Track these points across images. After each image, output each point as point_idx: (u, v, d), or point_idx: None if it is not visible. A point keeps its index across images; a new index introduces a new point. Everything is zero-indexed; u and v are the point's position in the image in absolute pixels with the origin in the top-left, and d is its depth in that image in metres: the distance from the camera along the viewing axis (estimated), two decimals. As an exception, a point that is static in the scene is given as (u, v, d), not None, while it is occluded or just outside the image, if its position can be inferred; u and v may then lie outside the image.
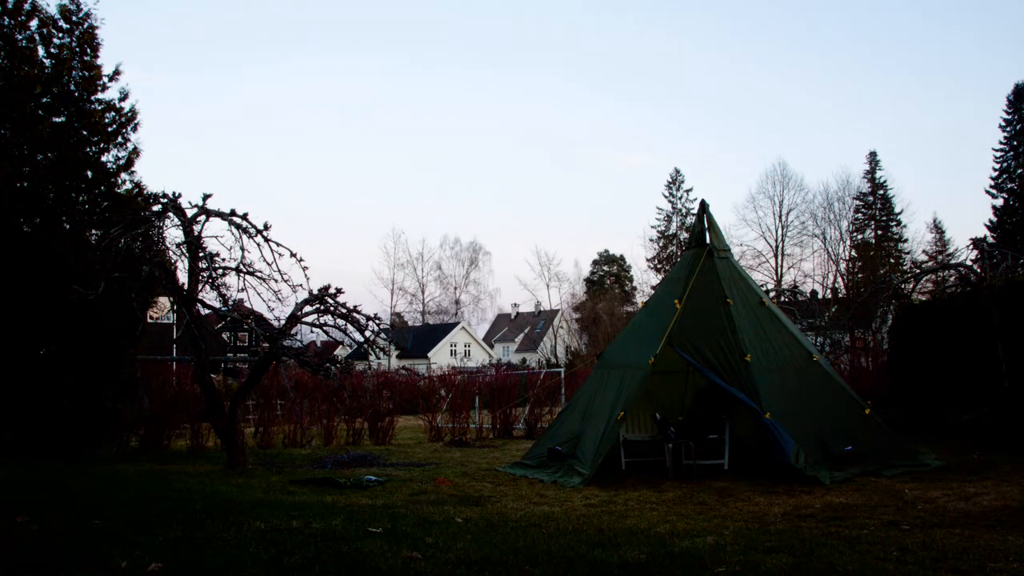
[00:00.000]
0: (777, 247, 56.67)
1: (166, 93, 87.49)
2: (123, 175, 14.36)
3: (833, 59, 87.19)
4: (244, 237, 11.85)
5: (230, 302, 12.09)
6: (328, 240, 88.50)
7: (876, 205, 57.29)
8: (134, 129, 14.52)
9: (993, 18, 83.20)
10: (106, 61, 15.54)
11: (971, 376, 11.83)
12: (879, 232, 57.08)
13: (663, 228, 64.48)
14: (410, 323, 67.63)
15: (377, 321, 12.34)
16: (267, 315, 12.38)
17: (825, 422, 9.31)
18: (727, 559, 5.18)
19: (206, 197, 11.89)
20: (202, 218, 11.83)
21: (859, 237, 57.16)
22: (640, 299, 63.90)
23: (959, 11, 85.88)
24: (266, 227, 11.91)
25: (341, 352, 35.29)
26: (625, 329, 13.78)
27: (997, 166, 47.41)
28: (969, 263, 16.02)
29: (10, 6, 13.25)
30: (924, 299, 16.89)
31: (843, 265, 56.46)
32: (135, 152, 14.52)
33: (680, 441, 9.56)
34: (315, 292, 11.80)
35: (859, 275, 53.94)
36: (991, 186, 47.34)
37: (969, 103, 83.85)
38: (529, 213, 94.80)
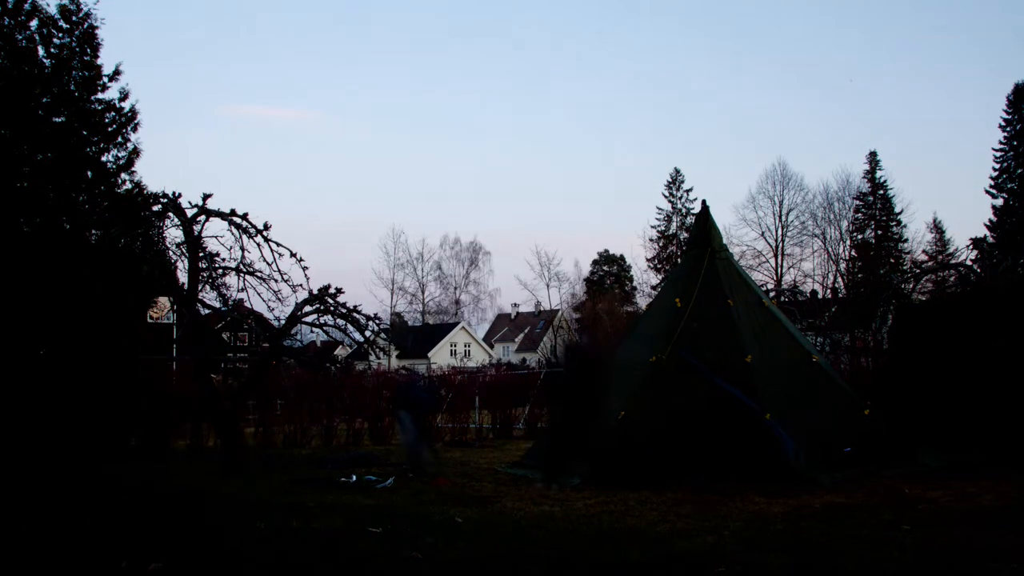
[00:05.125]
0: (777, 247, 56.61)
1: (166, 92, 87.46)
2: (123, 175, 14.36)
3: (833, 59, 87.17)
4: (244, 237, 11.86)
5: (230, 302, 12.09)
6: (328, 240, 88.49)
7: (876, 205, 57.21)
8: (134, 129, 14.51)
9: (993, 18, 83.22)
10: (106, 61, 15.52)
11: (971, 376, 11.81)
12: (879, 232, 56.99)
13: (663, 228, 64.33)
14: (410, 323, 67.56)
15: (377, 321, 12.35)
16: (267, 315, 12.39)
17: (825, 422, 9.30)
18: (727, 559, 5.18)
19: (206, 197, 11.89)
20: (202, 218, 11.83)
21: (859, 237, 57.07)
22: (640, 299, 63.80)
23: (959, 11, 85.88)
24: (266, 227, 11.92)
25: (341, 352, 35.27)
26: (629, 330, 13.78)
27: (997, 166, 47.35)
28: (969, 263, 16.02)
29: (10, 6, 13.24)
30: (924, 299, 16.87)
31: (843, 265, 56.45)
32: (135, 152, 14.51)
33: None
34: (315, 292, 11.80)
35: (859, 275, 53.89)
36: (991, 186, 47.29)
37: (969, 103, 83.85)
38: (529, 213, 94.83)
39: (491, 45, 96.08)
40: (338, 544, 5.69)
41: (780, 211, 56.84)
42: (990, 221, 46.23)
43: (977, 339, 11.75)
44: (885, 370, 14.36)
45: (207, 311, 12.34)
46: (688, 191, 63.92)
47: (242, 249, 11.88)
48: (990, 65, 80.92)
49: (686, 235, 56.00)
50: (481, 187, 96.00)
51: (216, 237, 12.00)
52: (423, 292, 69.75)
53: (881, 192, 57.19)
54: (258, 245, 11.89)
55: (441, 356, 58.97)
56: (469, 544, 5.69)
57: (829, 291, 52.19)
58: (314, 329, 12.53)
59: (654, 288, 57.06)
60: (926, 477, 8.71)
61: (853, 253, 56.60)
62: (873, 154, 57.77)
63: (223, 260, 11.89)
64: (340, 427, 16.04)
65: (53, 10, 13.72)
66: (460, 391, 17.78)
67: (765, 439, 8.87)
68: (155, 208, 11.99)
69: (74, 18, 13.91)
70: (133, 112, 14.48)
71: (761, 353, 9.45)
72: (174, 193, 11.79)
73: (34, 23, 13.57)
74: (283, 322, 11.91)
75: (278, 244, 11.96)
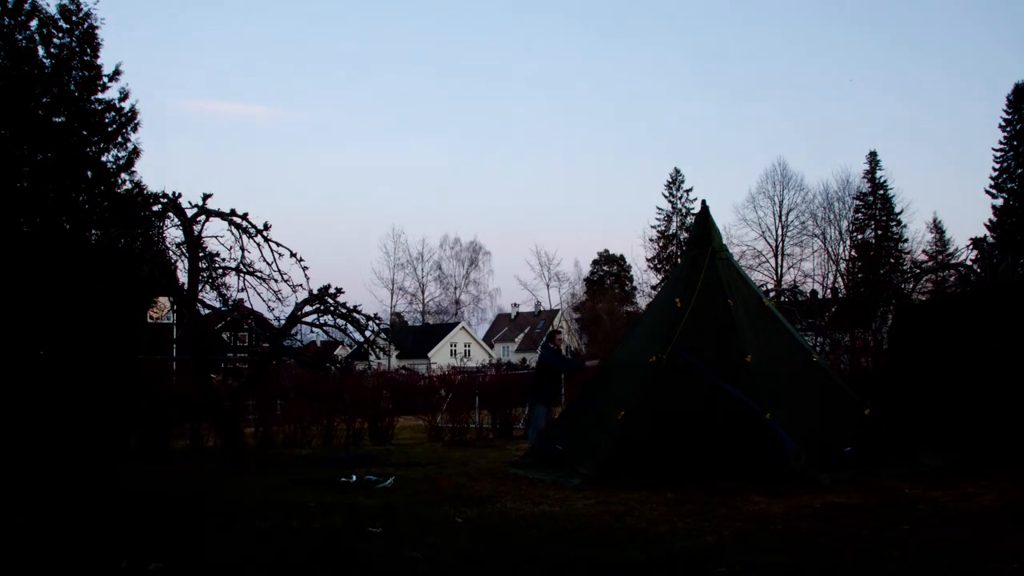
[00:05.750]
0: (777, 247, 56.67)
1: (167, 92, 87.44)
2: (123, 175, 14.36)
3: (833, 58, 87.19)
4: (244, 237, 11.89)
5: (230, 302, 12.11)
6: (328, 240, 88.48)
7: (876, 205, 57.22)
8: (134, 129, 14.52)
9: (993, 18, 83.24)
10: (106, 61, 15.52)
11: (971, 376, 11.81)
12: (879, 232, 57.00)
13: (663, 228, 64.34)
14: (410, 323, 67.58)
15: (377, 321, 12.37)
16: (267, 315, 12.41)
17: (825, 423, 9.30)
18: (727, 559, 5.18)
19: (206, 197, 11.91)
20: (202, 218, 11.85)
21: (859, 237, 57.11)
22: (640, 299, 63.89)
23: (959, 11, 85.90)
24: (266, 227, 11.94)
25: (341, 352, 35.27)
26: (629, 330, 13.75)
27: (997, 166, 47.41)
28: (969, 263, 16.02)
29: (10, 6, 13.24)
30: (924, 299, 16.86)
31: (843, 265, 56.46)
32: (135, 152, 14.51)
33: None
34: (315, 292, 11.82)
35: (859, 275, 53.91)
36: (991, 186, 47.34)
37: (969, 103, 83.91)
38: (529, 213, 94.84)
39: (491, 44, 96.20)
40: (338, 544, 5.69)
41: (780, 211, 56.99)
42: (990, 221, 46.30)
43: (977, 339, 11.75)
44: (885, 370, 14.35)
45: (207, 311, 12.36)
46: (688, 191, 63.99)
47: (242, 249, 11.91)
48: (990, 65, 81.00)
49: (686, 235, 56.02)
50: (481, 187, 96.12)
51: (216, 237, 12.04)
52: (423, 292, 69.86)
53: (881, 192, 57.23)
54: (258, 245, 11.92)
55: (441, 356, 59.01)
56: (469, 544, 5.69)
57: (829, 291, 52.20)
58: (314, 329, 12.56)
59: (654, 288, 57.10)
60: (926, 477, 8.71)
61: (853, 253, 56.65)
62: (873, 154, 57.83)
63: (223, 260, 11.92)
64: (340, 427, 16.03)
65: (53, 10, 13.73)
66: (460, 391, 17.77)
67: (765, 439, 8.87)
68: (155, 208, 12.01)
69: (74, 18, 13.90)
70: (133, 112, 14.49)
71: (761, 353, 9.45)
72: (174, 193, 11.82)
73: (34, 23, 13.58)
74: (283, 322, 11.93)
75: (278, 244, 11.99)
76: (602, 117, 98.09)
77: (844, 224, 56.54)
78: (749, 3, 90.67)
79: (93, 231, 13.56)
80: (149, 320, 19.08)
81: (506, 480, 9.72)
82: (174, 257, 11.96)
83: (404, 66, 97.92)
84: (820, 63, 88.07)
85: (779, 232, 56.65)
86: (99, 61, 14.27)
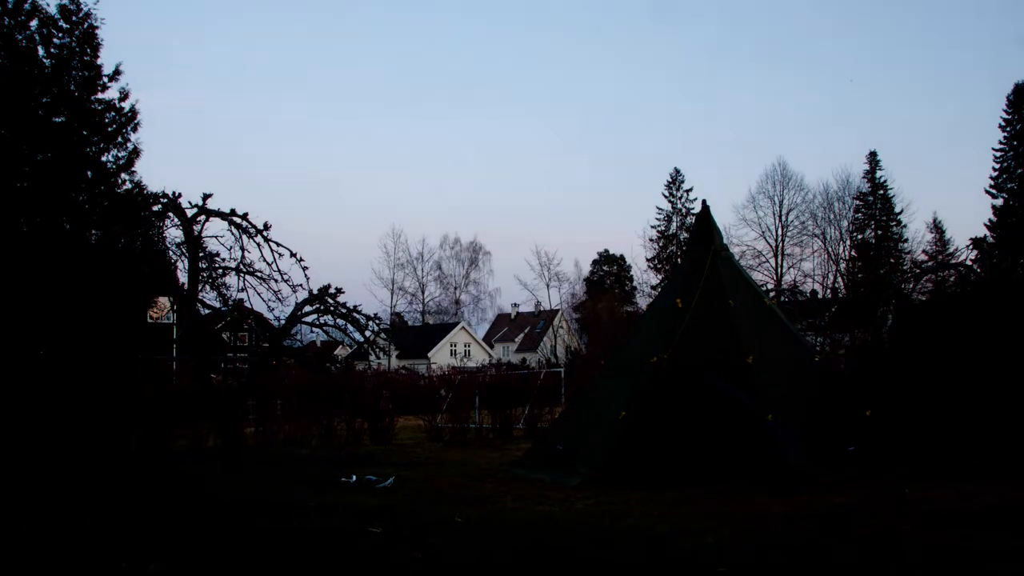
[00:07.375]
0: (777, 247, 56.61)
1: (166, 93, 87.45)
2: (123, 175, 14.33)
3: (833, 59, 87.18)
4: (244, 237, 11.92)
5: (230, 302, 12.12)
6: (328, 240, 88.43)
7: (876, 205, 57.18)
8: (134, 129, 14.46)
9: (993, 18, 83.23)
10: (106, 61, 15.48)
11: (971, 376, 11.81)
12: (879, 232, 56.96)
13: (663, 228, 64.27)
14: (410, 323, 67.56)
15: (377, 321, 12.39)
16: (267, 315, 12.42)
17: (826, 422, 9.30)
18: (727, 559, 5.18)
19: (206, 197, 11.93)
20: (202, 218, 11.87)
21: (859, 237, 57.10)
22: (640, 299, 63.82)
23: (959, 11, 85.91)
24: (266, 227, 11.97)
25: (341, 352, 35.24)
26: (630, 331, 13.76)
27: (997, 166, 47.40)
28: (969, 263, 16.01)
29: (10, 6, 13.23)
30: (924, 299, 16.86)
31: (843, 265, 56.45)
32: (135, 152, 14.46)
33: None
34: (315, 292, 11.84)
35: (859, 275, 53.88)
36: (991, 186, 47.34)
37: (969, 103, 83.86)
38: (529, 213, 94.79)
39: (490, 44, 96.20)
40: (338, 544, 5.69)
41: (780, 211, 56.88)
42: (990, 221, 46.27)
43: (977, 339, 11.75)
44: (885, 370, 14.34)
45: (207, 311, 12.36)
46: (688, 191, 63.87)
47: (242, 249, 11.95)
48: (990, 65, 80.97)
49: (686, 235, 55.97)
50: (481, 187, 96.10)
51: (216, 237, 12.06)
52: (423, 292, 69.79)
53: (881, 192, 57.16)
54: (258, 245, 11.95)
55: (441, 356, 58.95)
56: (469, 544, 5.69)
57: (829, 291, 52.18)
58: (314, 329, 12.57)
59: (654, 288, 57.05)
60: (926, 477, 8.71)
61: (853, 253, 56.62)
62: (873, 154, 57.74)
63: (223, 260, 11.94)
64: (340, 427, 16.03)
65: (53, 10, 13.69)
66: (460, 391, 17.77)
67: (765, 439, 8.87)
68: (155, 208, 12.01)
69: (74, 18, 13.87)
70: (133, 112, 14.43)
71: (762, 354, 9.45)
72: (174, 193, 11.85)
73: (34, 23, 13.54)
74: (283, 322, 11.94)
75: (278, 244, 12.02)
76: (602, 117, 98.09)
77: (844, 224, 56.55)
78: (749, 2, 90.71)
79: (93, 231, 13.53)
80: (149, 320, 19.07)
81: (506, 480, 9.73)
82: (174, 257, 11.98)
83: (405, 66, 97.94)
84: (820, 62, 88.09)
85: (779, 232, 56.63)
86: (99, 61, 14.24)
